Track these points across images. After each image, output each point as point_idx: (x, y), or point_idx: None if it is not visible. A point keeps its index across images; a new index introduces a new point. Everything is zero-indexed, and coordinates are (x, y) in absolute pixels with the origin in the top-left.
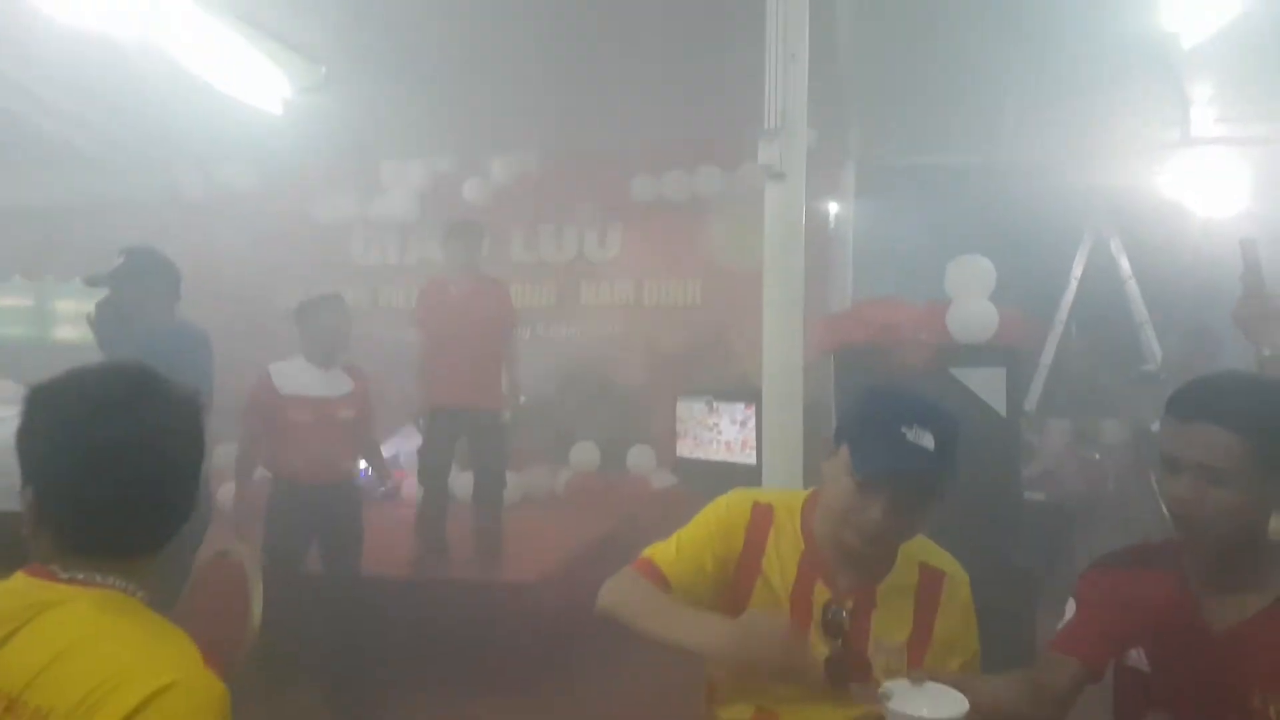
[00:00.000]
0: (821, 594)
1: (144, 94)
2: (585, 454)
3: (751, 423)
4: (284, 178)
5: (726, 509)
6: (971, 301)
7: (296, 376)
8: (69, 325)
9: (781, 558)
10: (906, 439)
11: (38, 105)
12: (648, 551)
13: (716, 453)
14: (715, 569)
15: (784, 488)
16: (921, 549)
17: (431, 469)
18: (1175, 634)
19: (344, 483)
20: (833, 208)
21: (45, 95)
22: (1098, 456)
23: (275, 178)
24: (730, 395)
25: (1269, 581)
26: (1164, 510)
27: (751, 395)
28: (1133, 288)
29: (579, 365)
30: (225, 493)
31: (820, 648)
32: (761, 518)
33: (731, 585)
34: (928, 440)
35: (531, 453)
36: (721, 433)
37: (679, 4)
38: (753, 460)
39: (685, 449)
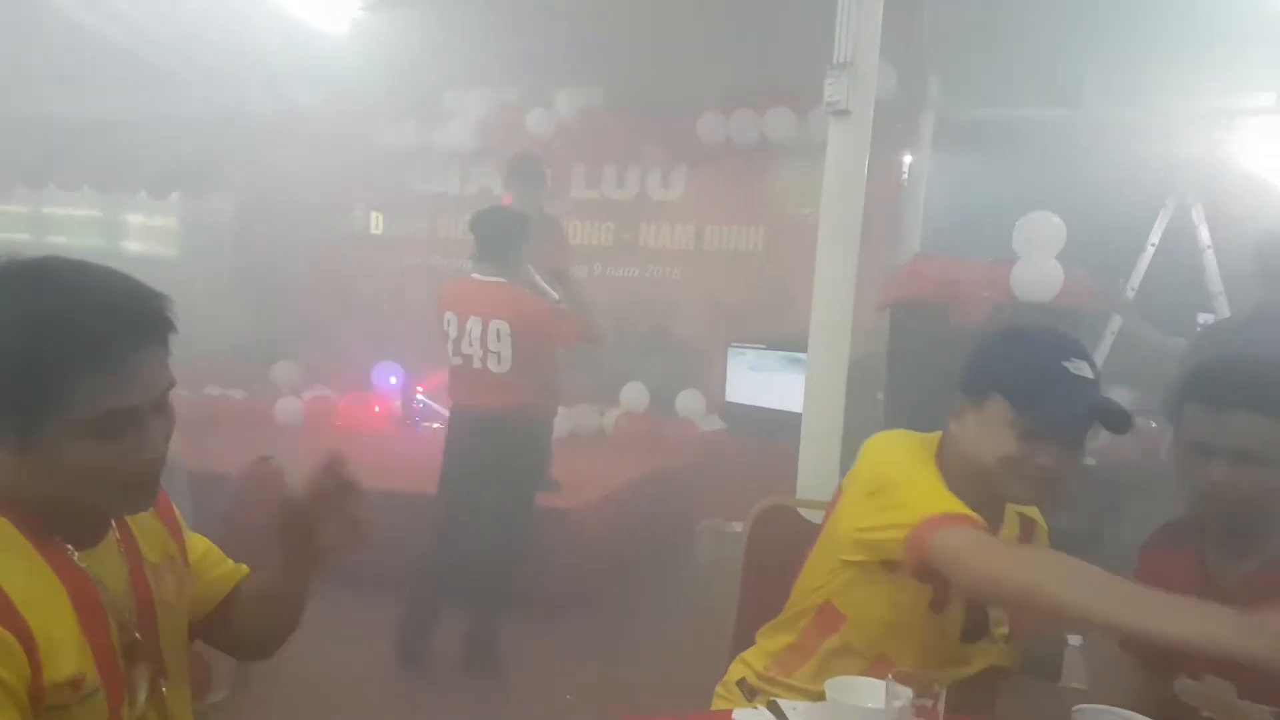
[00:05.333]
0: None
1: (213, 8)
2: (635, 395)
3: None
4: (348, 99)
5: (924, 451)
6: (1037, 260)
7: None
8: (137, 238)
9: None
10: (1072, 374)
11: (111, 17)
12: (944, 505)
13: (766, 400)
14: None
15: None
16: None
17: None
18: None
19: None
20: (907, 158)
21: (118, 7)
22: (1154, 425)
23: (339, 99)
24: (784, 344)
25: (1273, 543)
26: (1192, 490)
27: (805, 345)
28: (1210, 259)
29: (635, 307)
30: (284, 407)
31: (956, 603)
32: None
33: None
34: (1088, 371)
35: (582, 390)
36: (773, 380)
37: None
38: (798, 409)
39: (735, 394)
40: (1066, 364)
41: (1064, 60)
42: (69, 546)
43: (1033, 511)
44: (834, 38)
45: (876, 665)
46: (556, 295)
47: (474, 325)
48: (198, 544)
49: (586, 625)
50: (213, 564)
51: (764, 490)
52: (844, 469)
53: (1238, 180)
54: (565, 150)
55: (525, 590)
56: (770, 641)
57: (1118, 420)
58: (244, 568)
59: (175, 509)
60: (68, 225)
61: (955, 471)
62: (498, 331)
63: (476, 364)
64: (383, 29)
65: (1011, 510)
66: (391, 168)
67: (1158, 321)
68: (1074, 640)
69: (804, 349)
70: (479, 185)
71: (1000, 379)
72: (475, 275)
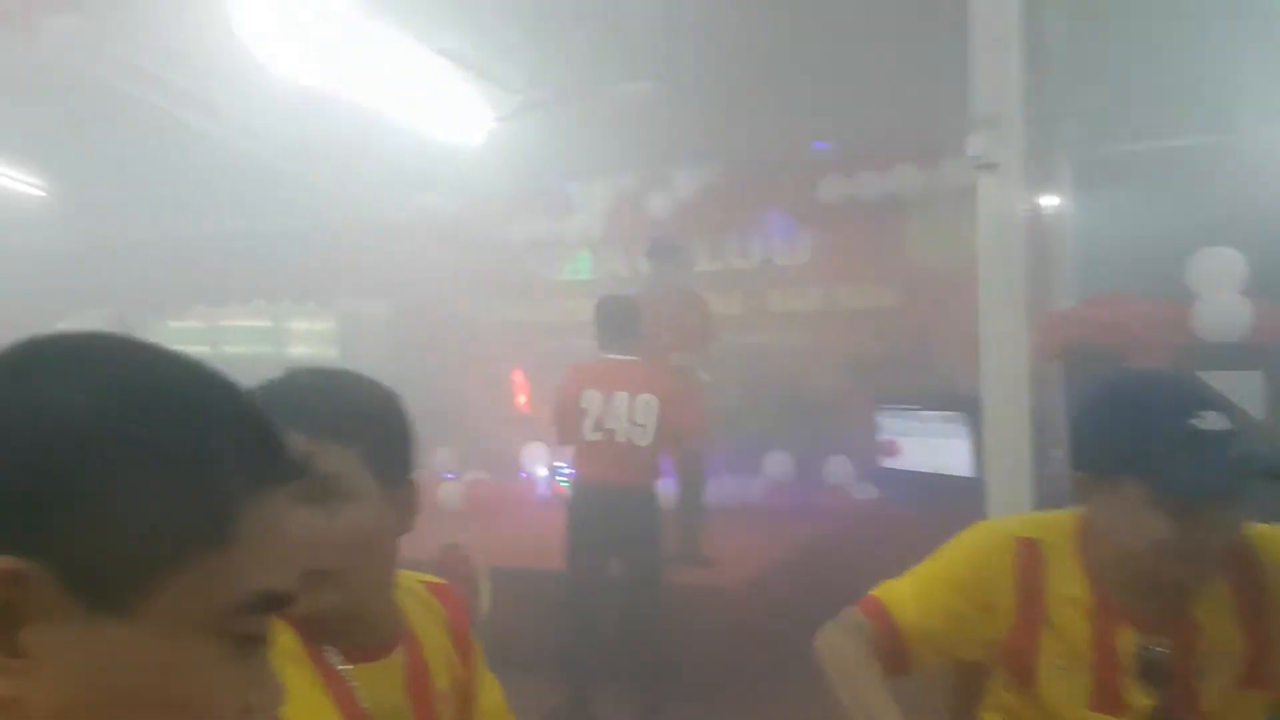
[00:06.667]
0: (1127, 639)
1: (354, 130)
2: (779, 464)
3: (963, 432)
4: (484, 201)
5: (986, 550)
6: (1221, 297)
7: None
8: (302, 342)
9: (1068, 603)
10: (1203, 431)
11: (265, 143)
12: (878, 591)
13: (924, 464)
14: (978, 618)
15: (1032, 515)
16: None
17: None
18: None
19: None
20: (1048, 201)
21: (271, 132)
22: None
23: (477, 201)
24: (937, 403)
25: None
26: None
27: (961, 403)
28: None
29: (769, 374)
30: (445, 492)
31: (1140, 700)
32: (1030, 557)
33: (1008, 643)
34: (1222, 421)
35: (722, 461)
36: (929, 443)
37: None
38: (964, 472)
39: (889, 460)
40: (1194, 421)
41: (1212, 84)
42: (340, 657)
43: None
44: (970, 91)
45: None
46: (706, 375)
47: (621, 400)
48: (491, 688)
49: (753, 712)
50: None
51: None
52: None
53: None
54: (686, 226)
55: (686, 674)
56: None
57: (1275, 467)
58: None
59: (471, 629)
60: (242, 336)
61: (1105, 559)
62: (645, 404)
63: (620, 438)
64: (514, 135)
65: None
66: (525, 259)
67: None
68: None
69: (959, 407)
70: (607, 270)
71: (1126, 457)
72: (608, 355)
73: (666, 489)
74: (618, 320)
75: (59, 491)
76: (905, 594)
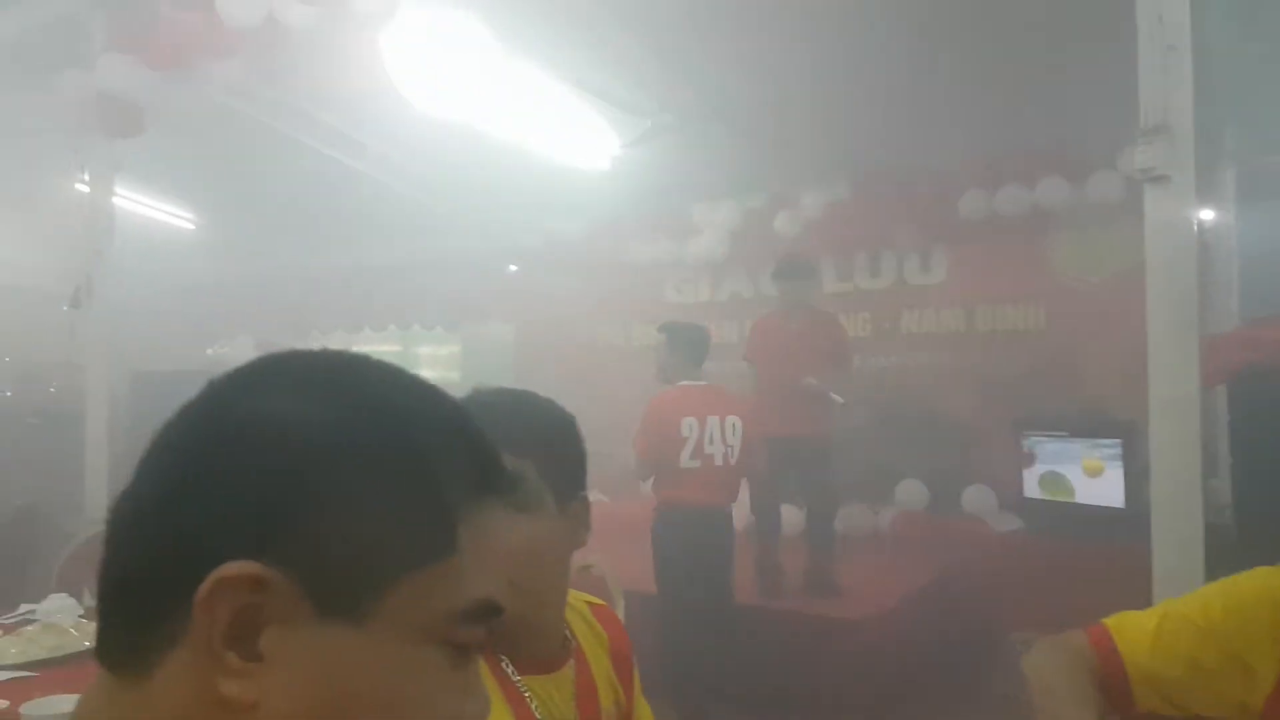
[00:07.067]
0: None
1: (486, 160)
2: (912, 492)
3: (1115, 460)
4: (607, 226)
5: (1254, 603)
6: None
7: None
8: (428, 367)
9: None
10: None
11: (401, 175)
12: (1111, 620)
13: (1073, 494)
14: (1226, 676)
15: None
16: None
17: (765, 497)
18: None
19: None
20: (1208, 215)
21: (406, 164)
22: None
23: (599, 227)
24: (1087, 430)
25: None
26: None
27: (1116, 429)
28: None
29: (900, 398)
30: None
31: None
32: None
33: (1265, 709)
34: None
35: (852, 489)
36: (1080, 472)
37: (1015, 4)
38: (1118, 503)
39: (1034, 489)
40: None
41: None
42: (511, 667)
43: None
44: (1139, 103)
45: None
46: (840, 399)
47: (714, 424)
48: (645, 714)
49: None
50: None
51: (1081, 597)
52: (1209, 574)
53: None
54: (814, 246)
55: (822, 705)
56: None
57: None
58: None
59: (633, 654)
60: None
61: None
62: (733, 426)
63: (718, 462)
64: (640, 159)
65: None
66: (647, 282)
67: None
68: None
69: (1112, 434)
70: (729, 291)
71: None
72: (686, 382)
73: (789, 515)
74: (691, 347)
75: (299, 501)
76: (1142, 630)
